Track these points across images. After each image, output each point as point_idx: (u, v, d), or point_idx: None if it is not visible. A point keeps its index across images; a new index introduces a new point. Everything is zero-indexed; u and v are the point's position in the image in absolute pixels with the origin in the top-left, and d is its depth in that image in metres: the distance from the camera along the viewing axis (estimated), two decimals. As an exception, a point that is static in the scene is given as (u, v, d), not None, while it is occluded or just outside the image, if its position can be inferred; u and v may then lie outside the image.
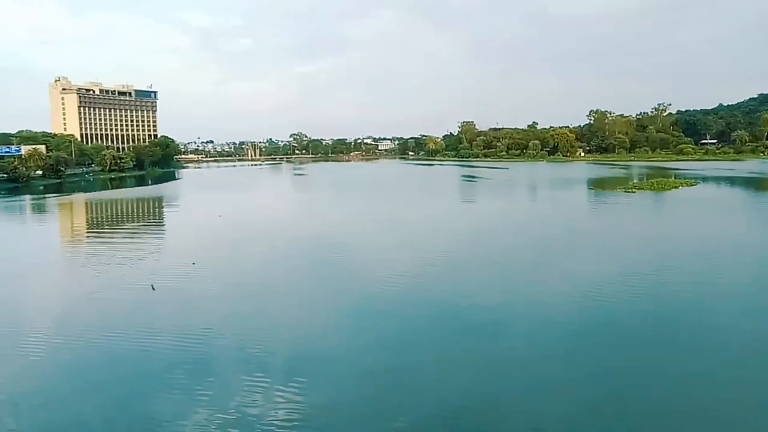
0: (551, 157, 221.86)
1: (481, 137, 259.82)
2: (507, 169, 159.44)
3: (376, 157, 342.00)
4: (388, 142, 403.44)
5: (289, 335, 21.02)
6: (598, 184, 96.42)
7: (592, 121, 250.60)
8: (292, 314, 23.77)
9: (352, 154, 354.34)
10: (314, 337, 20.93)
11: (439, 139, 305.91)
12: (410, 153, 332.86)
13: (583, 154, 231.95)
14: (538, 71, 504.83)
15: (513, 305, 24.28)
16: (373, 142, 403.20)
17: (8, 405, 15.96)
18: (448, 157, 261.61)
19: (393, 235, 44.42)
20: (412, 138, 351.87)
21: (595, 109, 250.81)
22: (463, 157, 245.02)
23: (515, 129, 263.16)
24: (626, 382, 16.73)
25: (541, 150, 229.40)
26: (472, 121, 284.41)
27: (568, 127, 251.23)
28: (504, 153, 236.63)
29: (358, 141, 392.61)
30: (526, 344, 19.66)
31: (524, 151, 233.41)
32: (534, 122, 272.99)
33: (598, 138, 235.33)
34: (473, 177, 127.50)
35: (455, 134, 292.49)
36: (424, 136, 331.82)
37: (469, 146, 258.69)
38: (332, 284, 28.72)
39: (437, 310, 23.72)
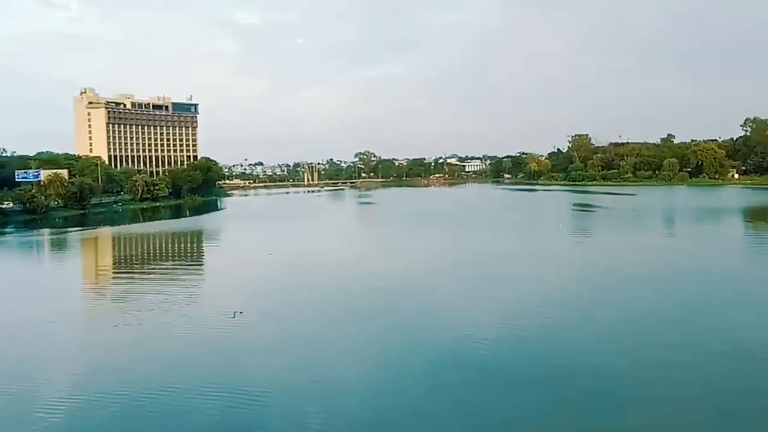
0: (693, 179, 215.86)
1: (599, 155, 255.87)
2: (634, 195, 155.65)
3: (463, 181, 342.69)
4: (478, 162, 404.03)
5: (353, 405, 21.43)
6: (757, 215, 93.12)
7: (748, 133, 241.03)
8: (358, 379, 24.27)
9: (431, 177, 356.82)
10: (382, 407, 21.29)
11: (543, 158, 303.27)
12: (506, 175, 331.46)
13: (737, 175, 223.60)
14: (673, 70, 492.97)
15: (640, 375, 23.88)
16: (458, 163, 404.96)
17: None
18: (555, 180, 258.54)
19: (480, 284, 44.32)
20: (508, 157, 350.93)
21: (752, 118, 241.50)
22: (574, 180, 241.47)
23: (644, 144, 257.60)
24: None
25: (680, 170, 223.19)
26: (587, 135, 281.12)
27: (715, 140, 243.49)
28: (629, 175, 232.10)
29: (440, 161, 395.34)
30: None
31: (657, 172, 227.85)
32: (669, 135, 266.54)
33: (757, 155, 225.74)
34: (589, 206, 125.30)
35: (564, 151, 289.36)
36: (523, 154, 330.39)
37: (582, 166, 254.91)
38: (402, 343, 29.11)
39: (536, 382, 23.60)
